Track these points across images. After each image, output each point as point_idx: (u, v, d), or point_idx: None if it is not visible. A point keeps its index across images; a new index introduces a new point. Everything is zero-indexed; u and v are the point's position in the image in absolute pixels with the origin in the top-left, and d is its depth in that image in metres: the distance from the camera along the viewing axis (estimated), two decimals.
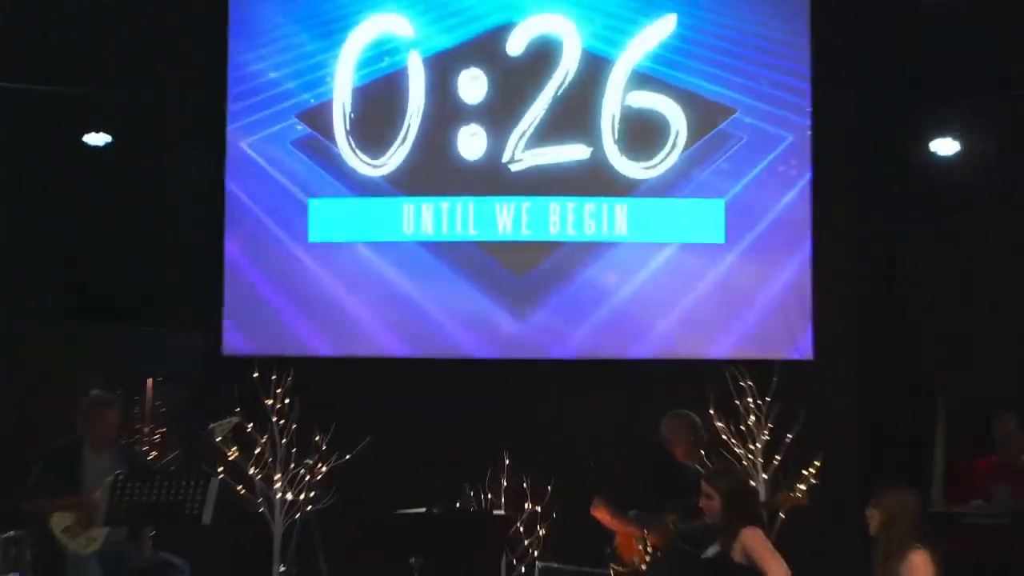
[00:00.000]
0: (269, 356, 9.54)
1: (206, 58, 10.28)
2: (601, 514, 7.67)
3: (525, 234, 10.04)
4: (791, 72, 10.08)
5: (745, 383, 9.25)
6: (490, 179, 10.11)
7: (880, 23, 10.16)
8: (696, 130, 10.06)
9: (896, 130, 10.11)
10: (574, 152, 10.10)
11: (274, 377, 9.19)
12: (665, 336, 9.95)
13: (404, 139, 10.15)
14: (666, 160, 10.07)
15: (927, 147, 10.01)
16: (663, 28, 10.13)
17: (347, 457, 9.12)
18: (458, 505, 8.09)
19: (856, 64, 10.19)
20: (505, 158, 10.12)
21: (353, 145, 10.18)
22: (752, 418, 9.20)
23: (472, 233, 10.06)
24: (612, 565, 7.70)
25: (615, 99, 10.09)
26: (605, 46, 10.14)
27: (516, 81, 10.13)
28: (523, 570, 9.11)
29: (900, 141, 10.09)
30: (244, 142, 10.22)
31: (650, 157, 10.08)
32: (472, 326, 10.03)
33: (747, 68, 10.08)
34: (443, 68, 10.19)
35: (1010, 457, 8.75)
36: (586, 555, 8.17)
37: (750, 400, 9.23)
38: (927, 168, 10.01)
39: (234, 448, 9.04)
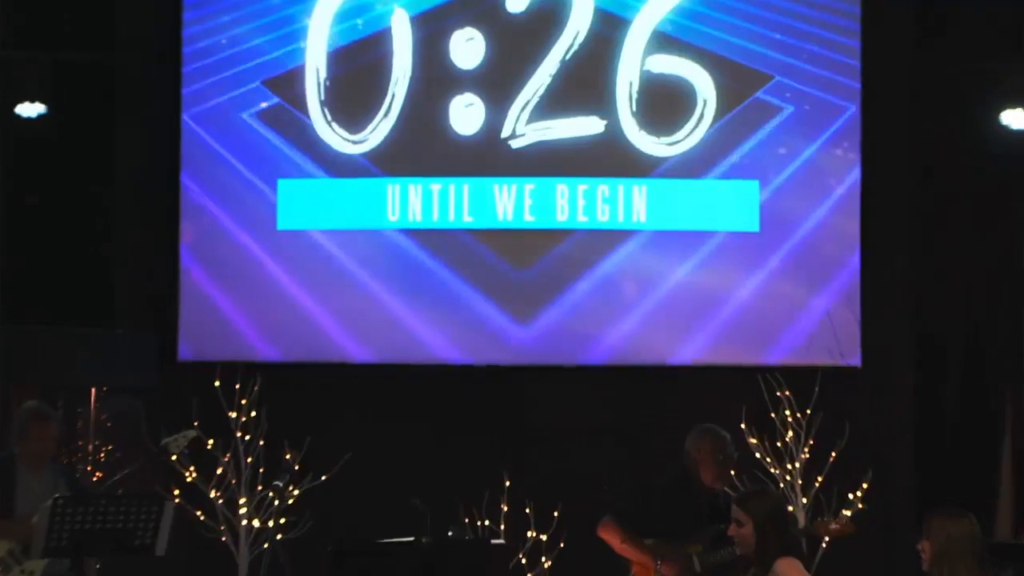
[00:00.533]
0: (232, 362, 9.69)
1: (157, 18, 10.41)
2: (609, 535, 7.75)
3: (528, 221, 10.20)
4: (844, 30, 10.19)
5: (782, 393, 9.40)
6: (488, 157, 10.25)
7: None
8: (728, 100, 10.19)
9: (960, 99, 10.23)
10: (585, 126, 10.24)
11: (238, 386, 9.34)
12: (688, 340, 10.11)
13: (388, 111, 10.27)
14: (692, 135, 10.20)
15: (997, 119, 10.13)
16: None
17: (323, 478, 9.28)
18: (451, 533, 8.21)
19: (914, 25, 10.31)
20: (505, 133, 10.24)
21: (328, 117, 10.30)
22: (790, 434, 9.35)
23: (467, 220, 10.22)
24: None
25: (633, 64, 10.21)
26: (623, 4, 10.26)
27: (518, 43, 10.23)
28: None
29: (965, 112, 10.22)
30: (201, 114, 10.34)
31: (673, 132, 10.21)
32: (465, 328, 10.18)
33: (790, 24, 10.20)
34: (433, 28, 10.30)
35: None
36: None
37: (788, 413, 9.38)
38: (996, 143, 10.14)
39: (192, 467, 9.20)
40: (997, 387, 10.13)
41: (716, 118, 10.19)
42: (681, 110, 10.21)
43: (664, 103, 10.21)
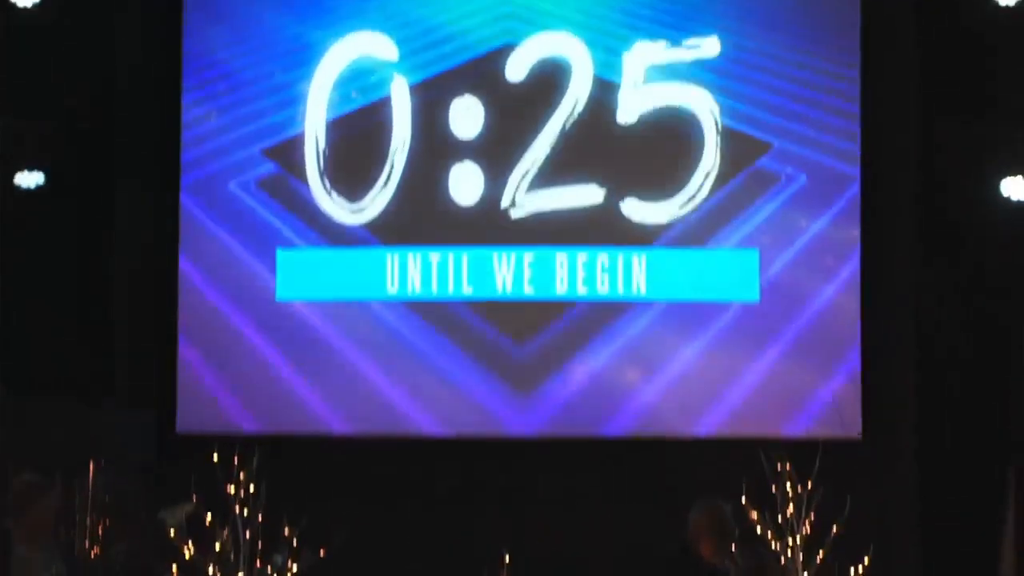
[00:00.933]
0: (230, 436, 9.77)
1: (157, 87, 10.60)
2: None
3: (528, 293, 10.32)
4: (842, 95, 10.34)
5: (783, 467, 9.47)
6: (487, 226, 10.38)
7: (944, 42, 10.40)
8: (727, 169, 10.33)
9: (963, 167, 10.33)
10: (585, 195, 10.38)
11: (236, 460, 9.42)
12: (689, 415, 10.22)
13: (387, 180, 10.41)
14: (690, 203, 10.32)
15: (997, 187, 10.23)
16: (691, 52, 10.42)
17: (322, 554, 9.35)
18: None
19: (916, 90, 10.45)
20: (504, 202, 10.37)
21: (328, 186, 10.44)
22: (791, 508, 9.42)
23: (466, 291, 10.34)
24: None
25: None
26: (619, 69, 10.41)
27: (517, 112, 10.39)
28: None
29: (967, 180, 10.31)
30: (199, 182, 10.50)
31: (672, 200, 10.33)
32: (465, 403, 10.30)
33: (792, 90, 10.37)
34: (432, 96, 10.46)
35: None
36: None
37: (788, 486, 9.45)
38: (996, 213, 10.26)
39: (190, 542, 9.26)
40: (1001, 463, 10.20)
41: (715, 187, 10.32)
42: (680, 179, 10.33)
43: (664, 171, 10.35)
